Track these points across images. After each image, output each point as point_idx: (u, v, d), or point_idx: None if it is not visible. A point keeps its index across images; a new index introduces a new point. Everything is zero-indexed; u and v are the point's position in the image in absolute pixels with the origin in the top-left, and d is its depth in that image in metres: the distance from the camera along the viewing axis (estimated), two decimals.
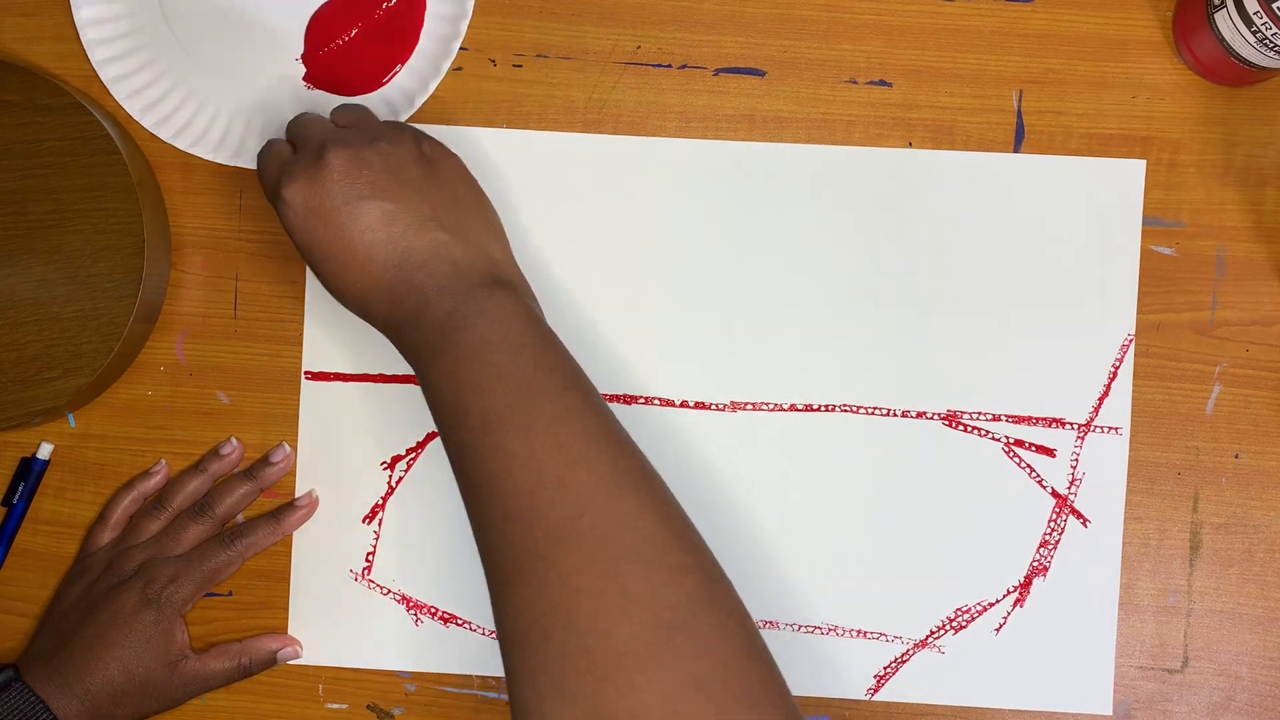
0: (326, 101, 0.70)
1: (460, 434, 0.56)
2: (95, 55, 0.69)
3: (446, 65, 0.69)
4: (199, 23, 0.70)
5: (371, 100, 0.69)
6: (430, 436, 0.70)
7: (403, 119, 0.69)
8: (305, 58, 0.70)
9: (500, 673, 0.69)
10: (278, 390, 0.70)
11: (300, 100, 0.70)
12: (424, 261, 0.59)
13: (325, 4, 0.70)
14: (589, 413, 0.56)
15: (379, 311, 0.60)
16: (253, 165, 0.69)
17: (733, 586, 0.54)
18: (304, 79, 0.70)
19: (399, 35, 0.70)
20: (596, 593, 0.51)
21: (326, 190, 0.59)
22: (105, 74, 0.69)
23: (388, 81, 0.70)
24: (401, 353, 0.60)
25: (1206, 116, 0.69)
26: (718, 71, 0.70)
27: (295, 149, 0.62)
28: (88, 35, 0.69)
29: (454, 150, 0.65)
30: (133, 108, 0.69)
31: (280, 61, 0.70)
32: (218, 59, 0.70)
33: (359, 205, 0.59)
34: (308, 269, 0.69)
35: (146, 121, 0.69)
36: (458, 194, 0.62)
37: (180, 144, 0.69)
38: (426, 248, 0.59)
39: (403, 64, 0.70)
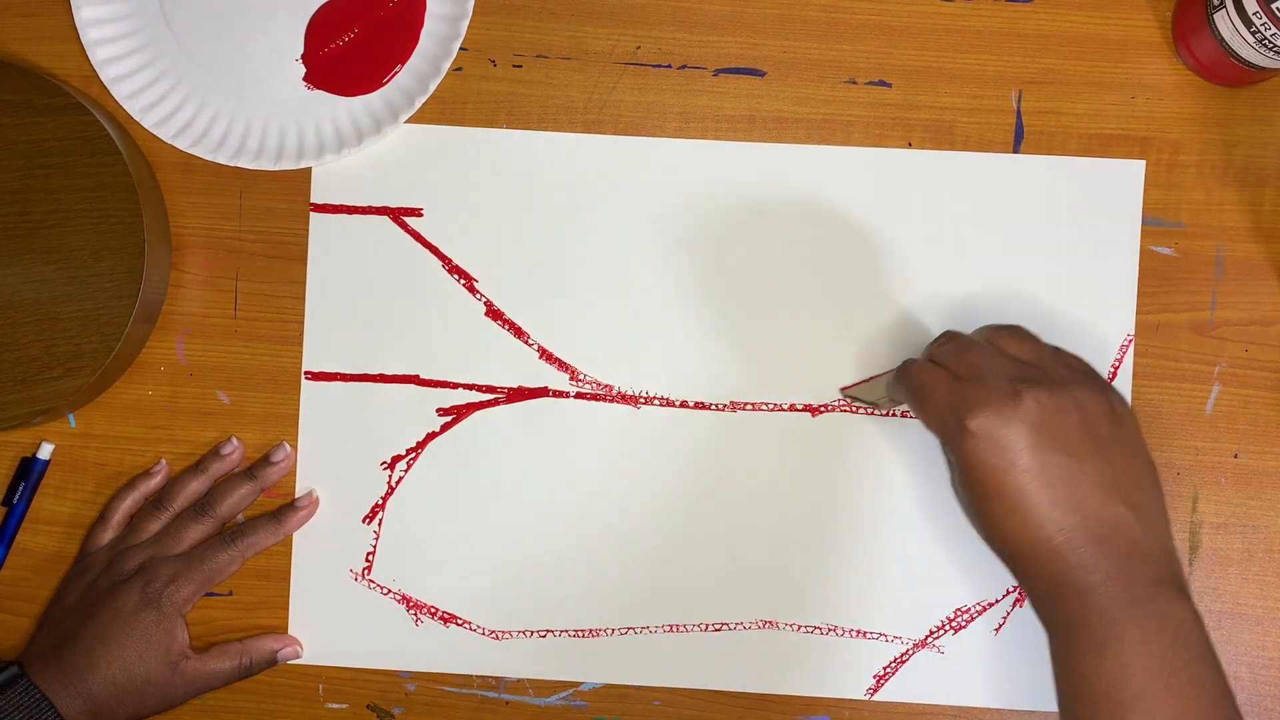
0: (327, 101, 0.70)
1: (1083, 712, 0.54)
2: (96, 55, 0.69)
3: (446, 65, 0.69)
4: (199, 23, 0.70)
5: (371, 100, 0.69)
6: (430, 437, 0.70)
7: (402, 119, 0.69)
8: (305, 58, 0.70)
9: (500, 672, 0.70)
10: (278, 390, 0.70)
11: (301, 100, 0.70)
12: (1101, 535, 0.55)
13: (325, 4, 0.70)
14: None
15: (1033, 570, 0.57)
16: (253, 164, 0.69)
17: None
18: (304, 79, 0.70)
19: (399, 35, 0.70)
20: None
21: (1017, 432, 0.55)
22: (106, 74, 0.69)
23: (388, 82, 0.70)
24: (1041, 615, 0.58)
25: (1206, 117, 0.69)
26: (718, 71, 0.70)
27: (953, 374, 0.58)
28: (88, 35, 0.69)
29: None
30: (133, 108, 0.69)
31: (280, 62, 0.70)
32: (218, 59, 0.70)
33: (1047, 456, 0.55)
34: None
35: (147, 122, 0.69)
36: (1138, 461, 0.58)
37: (180, 144, 0.69)
38: (1106, 520, 0.56)
39: (403, 64, 0.70)
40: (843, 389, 0.69)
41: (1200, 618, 0.56)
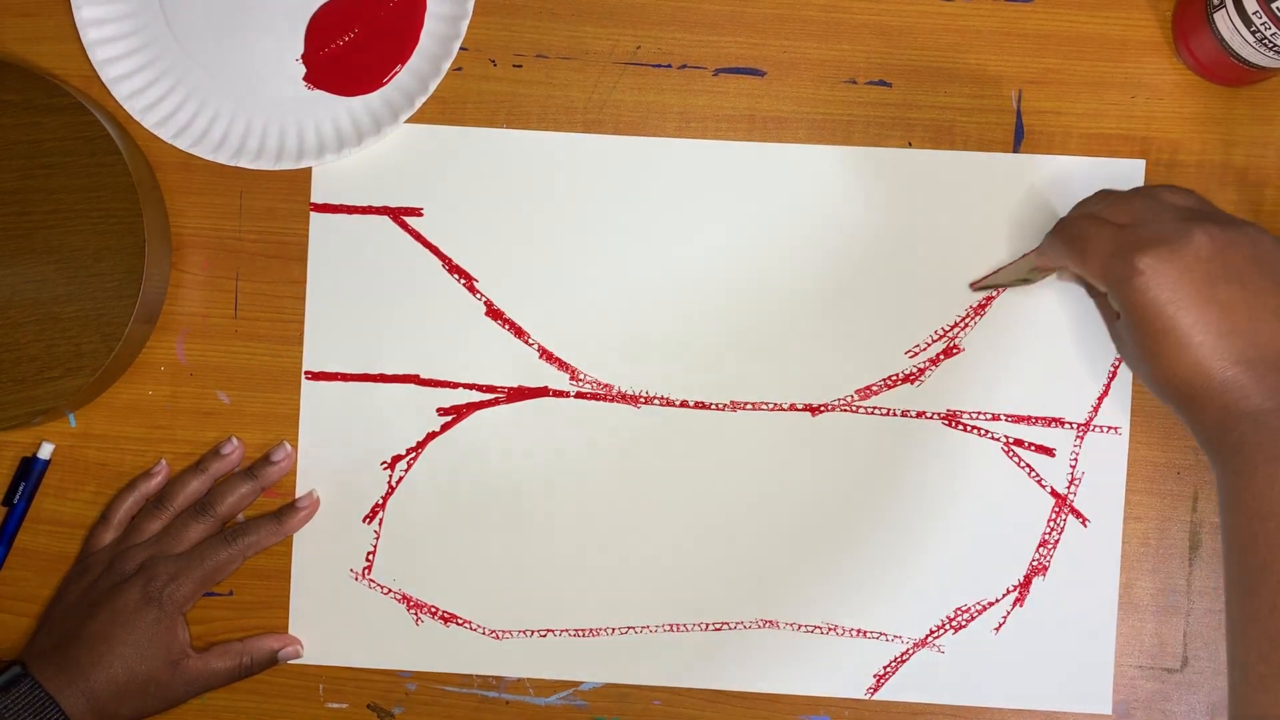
0: (328, 101, 0.70)
1: (1261, 556, 0.54)
2: (96, 55, 0.69)
3: (446, 65, 0.69)
4: (200, 23, 0.70)
5: (371, 100, 0.69)
6: (430, 436, 0.70)
7: (403, 119, 0.69)
8: (305, 57, 0.70)
9: (500, 672, 0.70)
10: (278, 390, 0.70)
11: (301, 100, 0.70)
12: (1276, 360, 0.56)
13: (326, 4, 0.70)
14: None
15: (1207, 400, 0.57)
16: (253, 164, 0.69)
17: None
18: (304, 79, 0.70)
19: (399, 35, 0.70)
20: None
21: (1190, 266, 0.56)
22: (106, 74, 0.69)
23: (388, 81, 0.70)
24: (1209, 445, 0.58)
25: (1206, 116, 0.69)
26: (718, 71, 0.70)
27: (1115, 223, 0.58)
28: (88, 35, 0.69)
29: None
30: (133, 107, 0.69)
31: (281, 61, 0.70)
32: (218, 59, 0.70)
33: (1222, 288, 0.56)
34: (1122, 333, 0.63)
35: (147, 122, 0.69)
36: None
37: (181, 144, 0.69)
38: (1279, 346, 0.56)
39: (403, 64, 0.70)
40: (973, 284, 0.69)
41: None
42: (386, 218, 0.70)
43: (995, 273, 0.68)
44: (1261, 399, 0.56)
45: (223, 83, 0.70)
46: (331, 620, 0.70)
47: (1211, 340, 0.56)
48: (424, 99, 0.69)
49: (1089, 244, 0.59)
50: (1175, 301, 0.56)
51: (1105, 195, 0.61)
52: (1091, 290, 0.66)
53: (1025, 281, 0.67)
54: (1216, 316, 0.56)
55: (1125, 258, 0.57)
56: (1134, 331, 0.58)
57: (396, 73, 0.70)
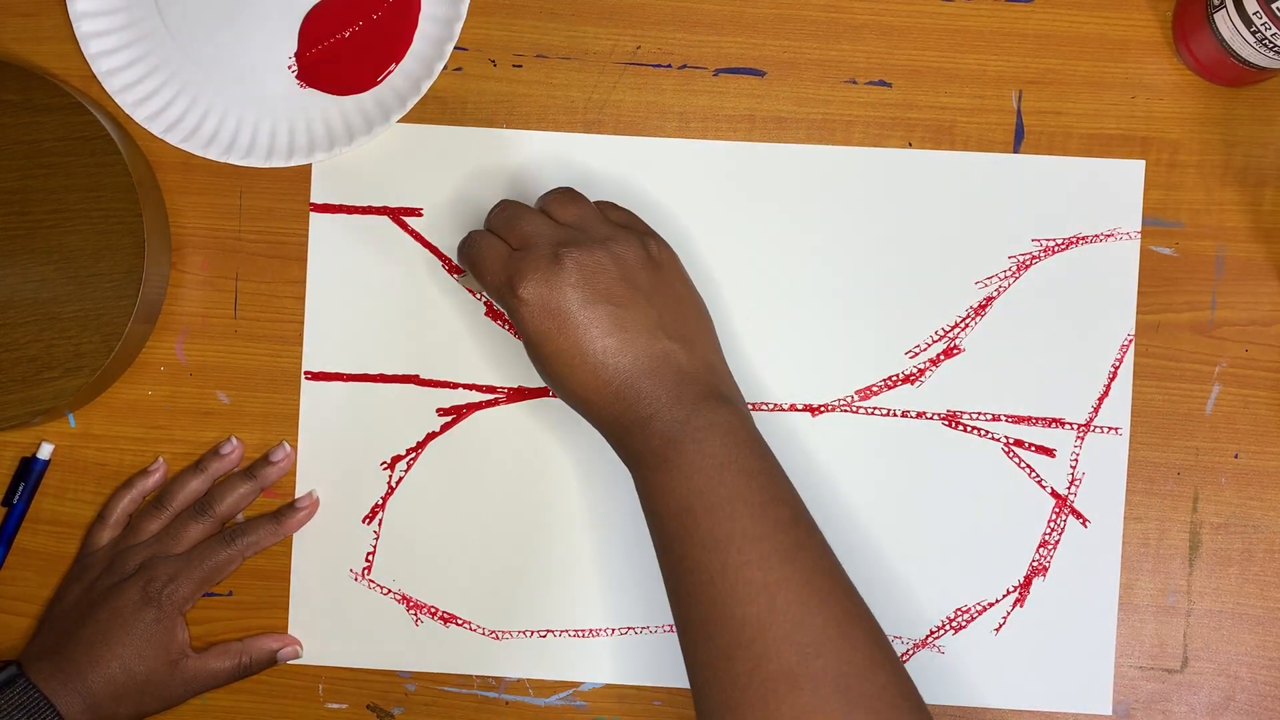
0: (321, 100, 0.70)
1: (684, 550, 0.57)
2: (89, 49, 0.69)
3: (440, 66, 0.68)
4: (194, 18, 0.70)
5: (364, 100, 0.69)
6: (430, 437, 0.70)
7: (394, 119, 0.68)
8: (299, 55, 0.70)
9: (500, 672, 0.70)
10: (278, 390, 0.70)
11: (293, 98, 0.70)
12: (652, 369, 0.60)
13: (320, 3, 0.70)
14: (818, 549, 0.58)
15: (602, 414, 0.60)
16: (243, 161, 0.68)
17: None
18: (298, 77, 0.70)
19: (393, 36, 0.70)
20: None
21: (563, 293, 0.59)
22: (99, 67, 0.69)
23: (381, 81, 0.70)
24: (620, 454, 0.61)
25: (1206, 117, 0.69)
26: (718, 71, 0.70)
27: (509, 244, 0.62)
28: (82, 28, 0.69)
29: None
30: (125, 101, 0.69)
31: (274, 59, 0.70)
32: (211, 54, 0.70)
33: (593, 310, 0.59)
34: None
35: (139, 116, 0.69)
36: (681, 299, 0.63)
37: (171, 139, 0.69)
38: (655, 355, 0.60)
39: (396, 64, 0.70)
40: (460, 278, 0.70)
41: (746, 416, 0.61)
42: (386, 218, 0.70)
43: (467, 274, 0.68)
44: (644, 406, 0.59)
45: (215, 78, 0.70)
46: (331, 620, 0.70)
47: (593, 359, 0.59)
48: (416, 99, 0.68)
49: (483, 267, 0.62)
50: (556, 329, 0.59)
51: (504, 207, 0.63)
52: None
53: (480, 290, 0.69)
54: (594, 337, 0.59)
55: (511, 286, 0.60)
56: (532, 355, 0.61)
57: (390, 73, 0.70)
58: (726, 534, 0.56)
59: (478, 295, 0.70)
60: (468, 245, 0.63)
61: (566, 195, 0.64)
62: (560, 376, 0.60)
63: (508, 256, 0.61)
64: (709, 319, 0.64)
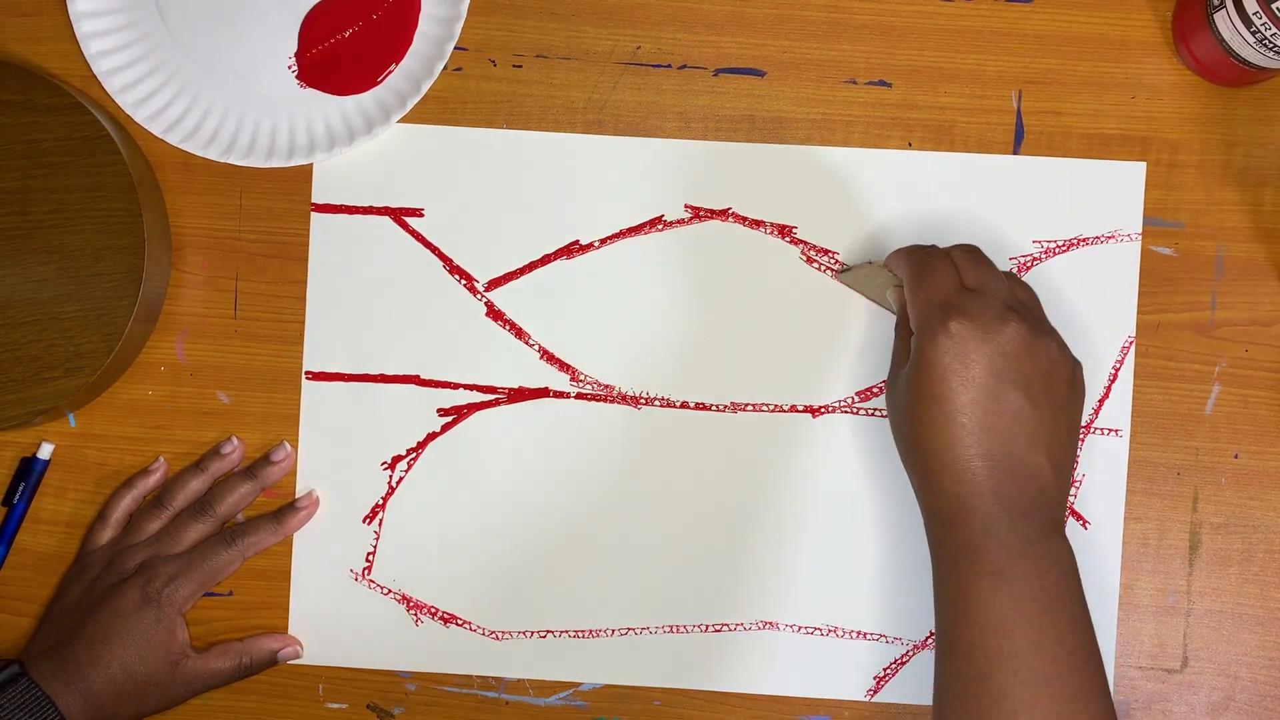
0: (321, 100, 0.70)
1: (989, 670, 0.56)
2: (89, 49, 0.69)
3: (440, 67, 0.68)
4: (194, 17, 0.70)
5: (364, 100, 0.69)
6: (431, 437, 0.70)
7: (394, 119, 0.68)
8: (299, 56, 0.70)
9: (500, 672, 0.70)
10: (278, 390, 0.70)
11: (293, 98, 0.70)
12: (1020, 478, 0.58)
13: (320, 3, 0.70)
14: (1100, 697, 0.57)
15: (944, 488, 0.59)
16: (243, 161, 0.68)
17: None
18: (298, 78, 0.70)
19: (393, 36, 0.70)
20: None
21: (989, 352, 0.58)
22: (99, 67, 0.69)
23: (381, 82, 0.70)
24: (934, 534, 0.60)
25: (1206, 117, 0.69)
26: (718, 71, 0.70)
27: (964, 282, 0.61)
28: (82, 28, 0.69)
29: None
30: (125, 101, 0.69)
31: (274, 59, 0.70)
32: (212, 55, 0.70)
33: (1005, 387, 0.58)
34: None
35: (139, 116, 0.69)
36: (1074, 427, 0.61)
37: (172, 139, 0.69)
38: (1029, 467, 0.58)
39: (396, 64, 0.70)
40: (835, 274, 0.69)
41: (1073, 559, 0.59)
42: (387, 218, 0.70)
43: (859, 268, 0.68)
44: (992, 503, 0.58)
45: (216, 78, 0.70)
46: (331, 620, 0.70)
47: (971, 427, 0.58)
48: (416, 100, 0.68)
49: (931, 281, 0.60)
50: (960, 375, 0.58)
51: (971, 251, 0.62)
52: (901, 324, 0.66)
53: (878, 300, 0.68)
54: (986, 409, 0.58)
55: (945, 313, 0.59)
56: (912, 382, 0.60)
57: (389, 73, 0.70)
58: (1028, 670, 0.56)
59: (843, 283, 0.69)
60: (924, 255, 0.62)
61: (1026, 285, 0.63)
62: (927, 422, 0.59)
63: (960, 287, 0.60)
64: (1077, 457, 0.63)
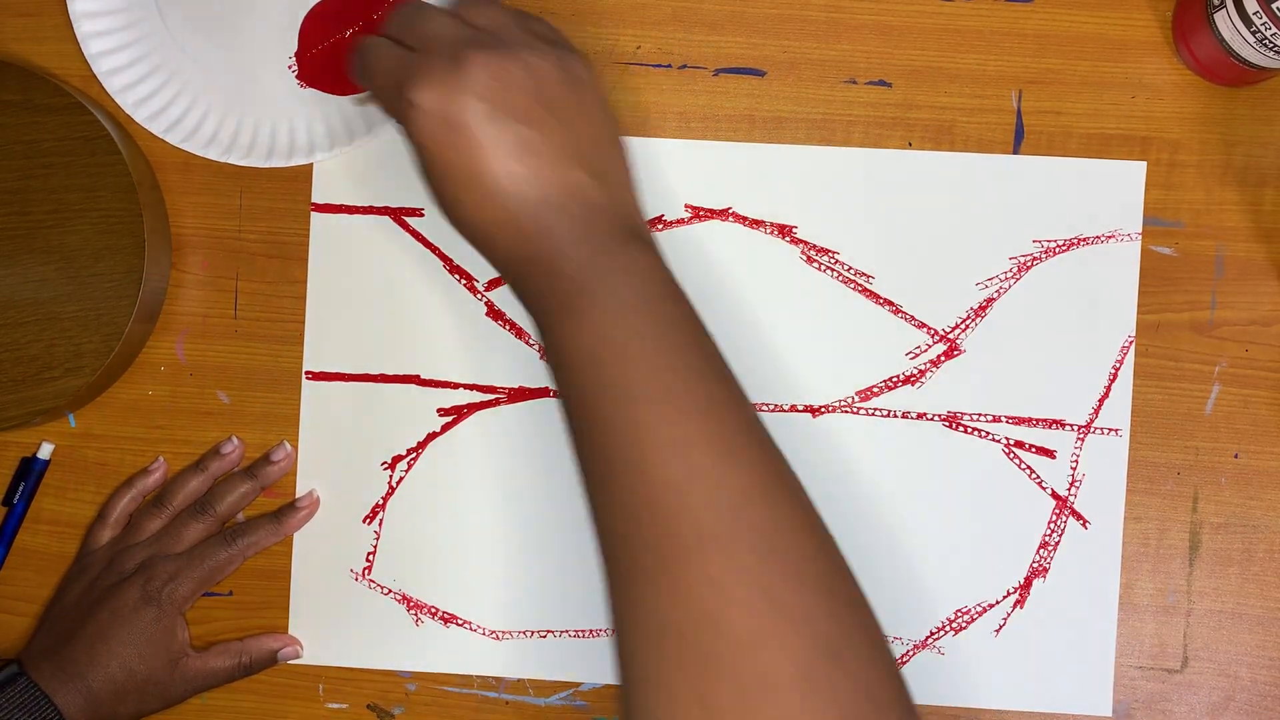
0: (321, 100, 0.70)
1: (595, 402, 0.51)
2: (89, 49, 0.69)
3: None
4: (194, 17, 0.70)
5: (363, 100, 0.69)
6: (431, 437, 0.70)
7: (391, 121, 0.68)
8: (299, 55, 0.70)
9: (500, 672, 0.70)
10: (278, 390, 0.70)
11: (293, 98, 0.70)
12: (562, 203, 0.53)
13: (320, 2, 0.70)
14: (739, 404, 0.52)
15: (501, 248, 0.54)
16: (243, 161, 0.68)
17: (877, 618, 0.50)
18: (297, 77, 0.70)
19: None
20: (748, 606, 0.47)
21: (464, 103, 0.52)
22: (99, 67, 0.69)
23: None
24: (520, 297, 0.55)
25: (1206, 117, 0.69)
26: (718, 71, 0.70)
27: (410, 48, 0.54)
28: (82, 28, 0.69)
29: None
30: (125, 101, 0.69)
31: (274, 59, 0.70)
32: (212, 55, 0.70)
33: (498, 127, 0.52)
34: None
35: (139, 116, 0.69)
36: (597, 125, 0.56)
37: (171, 139, 0.69)
38: (566, 188, 0.53)
39: None
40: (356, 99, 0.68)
41: (662, 257, 0.55)
42: (387, 218, 0.70)
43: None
44: (549, 241, 0.53)
45: (215, 78, 0.70)
46: (331, 620, 0.70)
47: (494, 183, 0.53)
48: None
49: (371, 69, 0.55)
50: (452, 143, 0.53)
51: (406, 6, 0.57)
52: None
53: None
54: (496, 158, 0.53)
55: (401, 90, 0.53)
56: (423, 172, 0.55)
57: None
58: (641, 386, 0.50)
59: (367, 104, 0.65)
60: (357, 51, 0.56)
61: (479, 5, 0.56)
62: (455, 200, 0.54)
63: (403, 58, 0.54)
64: (627, 151, 0.58)
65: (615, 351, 0.51)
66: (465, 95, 0.52)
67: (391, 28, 0.56)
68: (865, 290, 0.69)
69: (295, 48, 0.70)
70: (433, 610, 0.70)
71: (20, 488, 0.70)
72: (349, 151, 0.69)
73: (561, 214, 0.53)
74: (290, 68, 0.70)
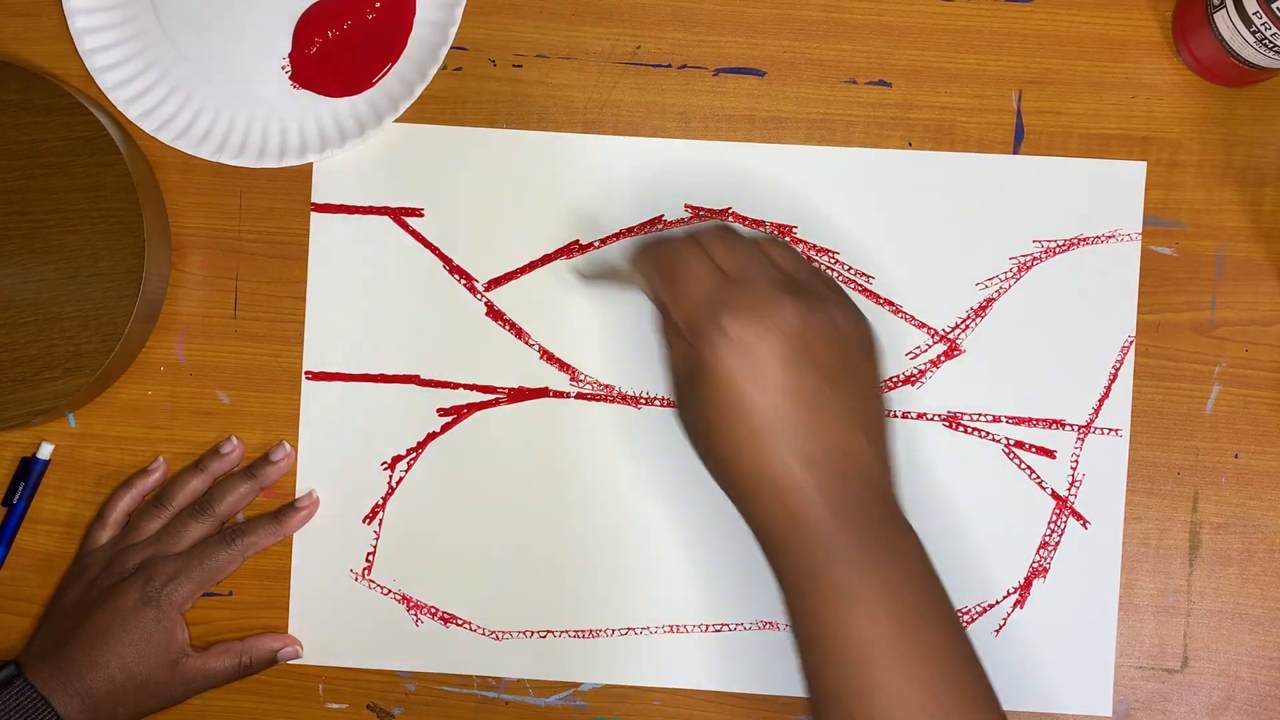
0: (314, 101, 0.70)
1: (858, 706, 0.52)
2: (83, 45, 0.69)
3: (434, 70, 0.68)
4: (188, 16, 0.70)
5: (356, 103, 0.69)
6: (431, 437, 0.70)
7: (388, 121, 0.68)
8: (293, 57, 0.70)
9: (500, 672, 0.70)
10: (278, 390, 0.70)
11: (287, 99, 0.70)
12: (844, 474, 0.52)
13: (315, 4, 0.70)
14: (989, 701, 0.53)
15: (766, 498, 0.53)
16: (234, 161, 0.68)
17: None
18: (291, 78, 0.70)
19: (387, 39, 0.70)
20: None
21: (773, 343, 0.52)
22: (92, 64, 0.69)
23: (374, 84, 0.70)
24: (768, 553, 0.55)
25: (1206, 117, 0.69)
26: (718, 71, 0.70)
27: (722, 269, 0.54)
28: (76, 25, 0.69)
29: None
30: (118, 98, 0.69)
31: (267, 59, 0.70)
32: (205, 54, 0.70)
33: (797, 374, 0.52)
34: None
35: (132, 114, 0.69)
36: (879, 393, 0.56)
37: (164, 137, 0.69)
38: (846, 452, 0.53)
39: (391, 66, 0.70)
40: (575, 269, 0.68)
41: (919, 542, 0.55)
42: (387, 218, 0.70)
43: (600, 273, 0.66)
44: (825, 512, 0.52)
45: (208, 77, 0.70)
46: (331, 620, 0.70)
47: (783, 433, 0.52)
48: (409, 103, 0.68)
49: (687, 280, 0.55)
50: (752, 378, 0.52)
51: (720, 233, 0.57)
52: (666, 326, 0.59)
53: (600, 279, 0.65)
54: (791, 405, 0.52)
55: (714, 315, 0.53)
56: (702, 397, 0.54)
57: (383, 76, 0.70)
58: (917, 703, 0.51)
59: (587, 279, 0.65)
60: (671, 250, 0.56)
61: (784, 244, 0.57)
62: (728, 434, 0.53)
63: (723, 280, 0.54)
64: (885, 413, 0.57)
65: (882, 658, 0.51)
66: (775, 336, 0.52)
67: (705, 236, 0.56)
68: (865, 290, 0.69)
69: (290, 48, 0.70)
70: (432, 610, 0.70)
71: (20, 488, 0.70)
72: (340, 153, 0.69)
73: (842, 484, 0.52)
74: (284, 68, 0.70)
